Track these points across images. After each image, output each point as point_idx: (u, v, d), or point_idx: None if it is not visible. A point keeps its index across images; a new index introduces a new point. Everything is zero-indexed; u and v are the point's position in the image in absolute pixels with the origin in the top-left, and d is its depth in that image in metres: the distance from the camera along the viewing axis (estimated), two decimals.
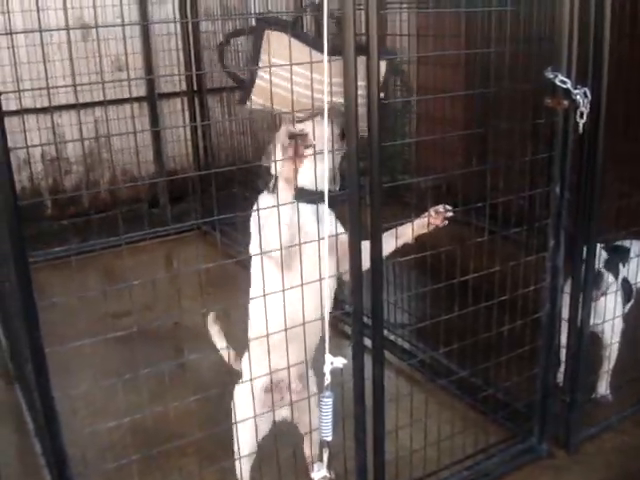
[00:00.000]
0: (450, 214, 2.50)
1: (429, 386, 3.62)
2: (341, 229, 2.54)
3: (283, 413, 2.72)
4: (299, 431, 2.88)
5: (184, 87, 6.39)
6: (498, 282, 2.93)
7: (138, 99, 6.70)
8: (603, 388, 3.54)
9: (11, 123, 4.81)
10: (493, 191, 2.91)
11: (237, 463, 2.74)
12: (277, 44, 2.28)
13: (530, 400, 3.16)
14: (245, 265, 2.65)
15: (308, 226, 2.41)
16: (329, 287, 2.45)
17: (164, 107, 6.82)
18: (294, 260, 2.39)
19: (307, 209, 2.45)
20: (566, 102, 2.63)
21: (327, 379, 2.29)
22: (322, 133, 2.27)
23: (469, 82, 3.75)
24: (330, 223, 2.42)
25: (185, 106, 6.42)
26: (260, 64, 2.30)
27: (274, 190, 2.43)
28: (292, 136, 2.23)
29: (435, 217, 2.50)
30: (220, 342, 2.94)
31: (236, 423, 2.57)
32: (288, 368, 2.53)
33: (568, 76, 2.62)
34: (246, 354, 2.64)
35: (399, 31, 4.24)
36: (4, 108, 1.71)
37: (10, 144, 1.72)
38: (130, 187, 6.92)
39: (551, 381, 3.11)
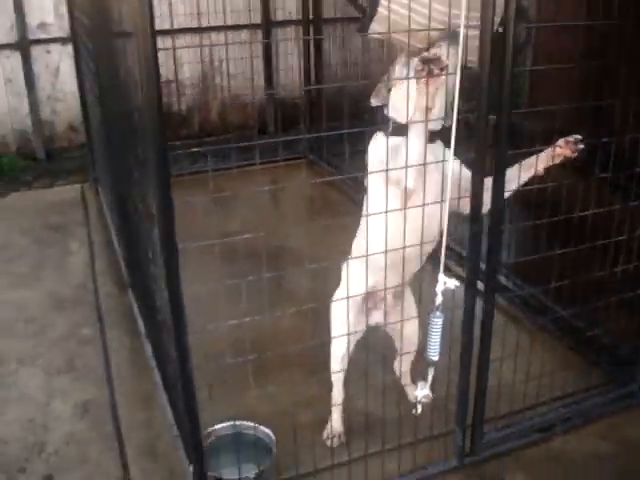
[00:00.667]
0: (581, 145, 2.44)
1: (534, 326, 3.62)
2: (458, 165, 2.50)
3: (376, 318, 2.83)
4: (394, 346, 2.98)
5: (299, 16, 6.39)
6: (617, 223, 2.88)
7: (252, 26, 6.73)
8: None
9: None
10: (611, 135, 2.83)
11: (332, 363, 2.86)
12: None
13: (636, 345, 3.12)
14: (348, 195, 2.69)
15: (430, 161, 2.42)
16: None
17: (279, 35, 6.84)
18: (415, 192, 2.43)
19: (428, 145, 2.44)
20: None
21: (439, 299, 2.34)
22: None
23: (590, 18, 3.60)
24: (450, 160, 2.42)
25: (299, 34, 6.42)
26: None
27: (391, 133, 2.47)
28: (426, 60, 2.22)
29: (564, 147, 2.44)
30: None
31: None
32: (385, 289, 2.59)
33: None
34: (346, 265, 2.71)
35: None
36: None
37: None
38: (240, 113, 7.04)
39: None
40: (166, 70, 6.65)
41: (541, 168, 2.49)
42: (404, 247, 2.40)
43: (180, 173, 5.10)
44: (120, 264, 4.44)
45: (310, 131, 6.38)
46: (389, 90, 2.51)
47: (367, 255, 2.45)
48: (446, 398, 2.77)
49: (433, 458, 2.78)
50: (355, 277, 2.61)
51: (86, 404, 3.24)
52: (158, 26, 1.79)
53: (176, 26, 5.76)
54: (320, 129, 6.01)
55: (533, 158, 2.49)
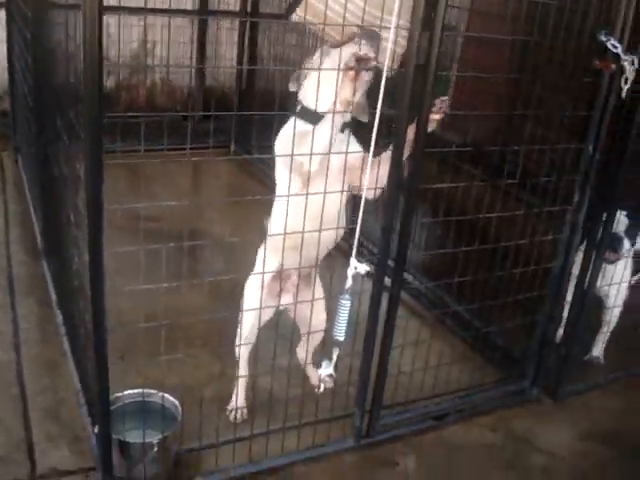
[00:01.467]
0: (446, 108, 2.53)
1: (436, 322, 3.81)
2: (358, 148, 2.65)
3: (285, 300, 2.93)
4: (300, 331, 3.09)
5: (237, 7, 6.45)
6: (519, 228, 3.08)
7: (190, 12, 6.75)
8: (598, 350, 3.71)
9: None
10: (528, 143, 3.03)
11: (237, 349, 2.94)
12: None
13: (527, 346, 3.34)
14: (268, 185, 2.79)
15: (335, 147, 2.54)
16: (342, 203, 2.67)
17: (214, 24, 6.87)
18: (317, 176, 2.54)
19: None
20: (614, 66, 2.75)
21: (349, 282, 2.46)
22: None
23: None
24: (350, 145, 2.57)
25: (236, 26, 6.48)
26: None
27: (300, 116, 2.60)
28: (358, 58, 2.35)
29: (434, 110, 2.51)
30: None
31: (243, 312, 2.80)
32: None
33: (620, 41, 2.72)
34: (261, 248, 2.82)
35: None
36: None
37: None
38: (167, 97, 7.04)
39: (551, 332, 3.28)
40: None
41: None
42: (303, 231, 2.53)
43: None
44: (35, 233, 4.41)
45: (237, 121, 6.44)
46: (305, 77, 2.63)
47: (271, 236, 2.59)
48: (348, 383, 2.90)
49: (332, 438, 2.91)
50: (265, 258, 2.70)
51: None
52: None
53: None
54: (247, 120, 6.09)
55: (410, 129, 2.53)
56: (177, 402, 2.70)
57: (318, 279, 3.01)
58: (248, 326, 2.84)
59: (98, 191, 2.00)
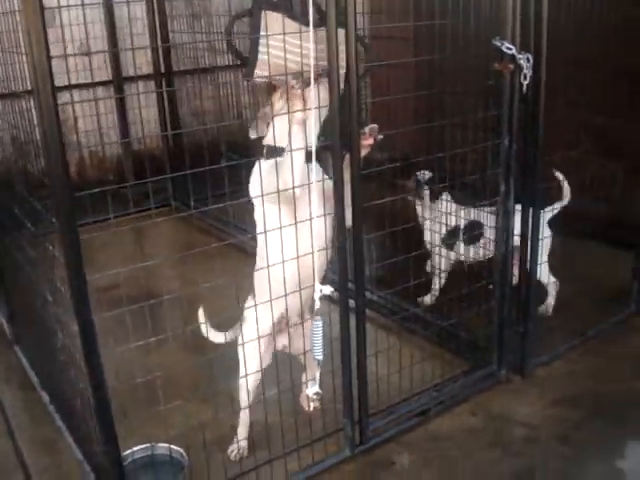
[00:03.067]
0: (380, 136, 2.78)
1: (399, 328, 4.00)
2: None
3: (282, 341, 3.08)
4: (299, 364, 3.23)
5: (151, 70, 6.64)
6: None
7: (105, 83, 6.91)
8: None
9: None
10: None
11: (242, 394, 3.08)
12: (274, 22, 2.61)
13: (488, 332, 3.60)
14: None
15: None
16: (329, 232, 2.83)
17: (131, 90, 7.04)
18: (301, 203, 2.69)
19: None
20: (512, 66, 3.06)
21: (317, 305, 2.67)
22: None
23: (418, 54, 4.13)
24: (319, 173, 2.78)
25: (151, 88, 6.68)
26: (260, 41, 2.61)
27: (269, 156, 2.78)
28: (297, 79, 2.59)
29: (365, 137, 2.75)
30: (217, 335, 3.25)
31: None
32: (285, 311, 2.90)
33: (513, 43, 3.04)
34: (251, 301, 2.96)
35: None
36: None
37: None
38: (97, 168, 7.17)
39: (505, 315, 3.53)
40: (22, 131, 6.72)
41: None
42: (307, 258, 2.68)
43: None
44: (2, 323, 4.48)
45: (172, 179, 6.59)
46: (268, 124, 2.80)
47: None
48: (334, 400, 3.09)
49: (329, 452, 3.10)
50: (261, 313, 2.81)
51: None
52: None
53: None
54: (181, 176, 6.25)
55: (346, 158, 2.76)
56: (182, 450, 2.86)
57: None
58: (252, 384, 3.00)
59: (78, 262, 2.17)
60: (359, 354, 2.99)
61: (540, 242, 3.54)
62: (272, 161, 2.72)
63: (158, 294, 2.71)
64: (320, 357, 2.74)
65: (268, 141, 2.81)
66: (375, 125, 2.77)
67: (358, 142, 2.69)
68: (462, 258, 4.03)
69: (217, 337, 3.23)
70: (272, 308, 2.82)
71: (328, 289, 2.66)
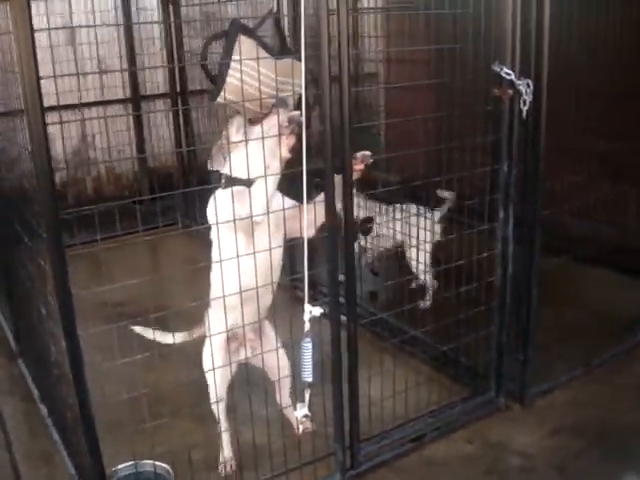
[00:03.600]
0: (370, 160, 2.83)
1: (395, 350, 3.95)
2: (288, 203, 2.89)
3: (242, 355, 3.13)
4: (270, 378, 3.24)
5: (167, 89, 6.71)
6: (456, 250, 3.33)
7: (123, 100, 7.00)
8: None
9: None
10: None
11: (214, 407, 3.10)
12: (246, 47, 2.64)
13: (487, 358, 3.56)
14: None
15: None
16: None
17: (148, 108, 7.13)
18: (260, 229, 2.76)
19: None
20: (511, 91, 3.05)
21: (307, 326, 2.67)
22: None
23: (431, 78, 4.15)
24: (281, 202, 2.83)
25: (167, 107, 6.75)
26: (231, 65, 2.63)
27: (226, 186, 2.83)
28: (291, 120, 2.62)
29: (355, 162, 2.79)
30: (164, 336, 3.33)
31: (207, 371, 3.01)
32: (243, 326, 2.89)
33: (512, 69, 3.04)
34: (207, 314, 3.05)
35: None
36: None
37: None
38: (115, 185, 7.25)
39: (505, 341, 3.49)
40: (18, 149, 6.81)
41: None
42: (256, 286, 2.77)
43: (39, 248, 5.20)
44: (8, 338, 4.53)
45: (185, 197, 6.64)
46: (225, 157, 2.85)
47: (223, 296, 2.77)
48: (325, 423, 3.07)
49: (319, 476, 3.06)
50: (215, 322, 2.92)
51: None
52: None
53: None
54: (194, 195, 6.29)
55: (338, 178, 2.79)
56: (168, 467, 2.85)
57: (269, 326, 3.20)
58: (215, 386, 3.02)
59: (64, 277, 2.19)
60: (350, 374, 2.97)
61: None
62: (234, 189, 2.77)
63: (165, 309, 2.75)
64: (309, 379, 2.73)
65: (228, 171, 2.87)
66: (367, 152, 2.80)
67: (351, 166, 2.70)
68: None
69: (165, 338, 3.31)
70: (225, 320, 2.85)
71: (318, 310, 2.66)
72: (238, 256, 2.71)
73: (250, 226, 2.73)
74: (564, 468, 3.16)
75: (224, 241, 2.73)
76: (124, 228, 4.80)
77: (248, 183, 2.76)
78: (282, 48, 2.83)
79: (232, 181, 2.82)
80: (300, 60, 2.57)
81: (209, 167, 2.94)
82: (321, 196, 2.77)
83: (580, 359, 3.89)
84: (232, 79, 2.63)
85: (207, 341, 3.02)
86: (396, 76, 4.83)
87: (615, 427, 3.43)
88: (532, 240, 3.34)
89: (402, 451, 3.26)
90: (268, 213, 2.71)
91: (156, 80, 7.00)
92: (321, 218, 2.79)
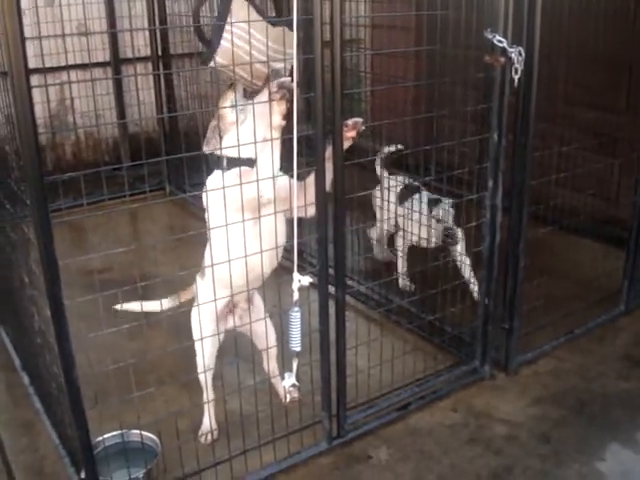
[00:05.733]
0: (362, 128, 2.76)
1: (382, 319, 4.00)
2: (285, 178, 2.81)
3: (231, 322, 3.10)
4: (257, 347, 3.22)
5: (148, 52, 6.57)
6: None
7: (103, 64, 6.86)
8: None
9: None
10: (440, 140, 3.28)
11: (201, 377, 3.07)
12: (241, 11, 2.56)
13: (472, 327, 3.56)
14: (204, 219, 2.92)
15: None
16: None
17: (128, 72, 6.99)
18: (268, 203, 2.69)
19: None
20: (502, 59, 3.01)
21: (295, 295, 2.64)
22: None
23: (418, 44, 4.10)
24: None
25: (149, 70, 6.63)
26: (225, 28, 2.54)
27: (227, 168, 2.74)
28: (280, 85, 2.54)
29: (348, 129, 2.73)
30: (151, 304, 3.29)
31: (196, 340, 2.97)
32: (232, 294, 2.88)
33: (504, 36, 2.99)
34: (201, 283, 3.00)
35: None
36: None
37: None
38: (93, 150, 7.14)
39: (491, 310, 3.49)
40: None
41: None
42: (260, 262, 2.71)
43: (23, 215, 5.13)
44: None
45: (167, 163, 6.56)
46: (221, 138, 2.71)
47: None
48: (312, 392, 3.08)
49: (305, 444, 3.07)
50: (209, 293, 2.83)
51: None
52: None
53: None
54: (176, 160, 6.21)
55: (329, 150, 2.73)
56: (155, 437, 2.84)
57: (258, 296, 3.17)
58: (203, 354, 2.96)
59: (49, 244, 2.14)
60: (338, 343, 2.96)
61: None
62: (236, 171, 2.67)
63: (149, 278, 2.71)
64: (298, 348, 2.71)
65: (226, 152, 2.72)
66: (359, 119, 2.73)
67: (341, 133, 2.65)
68: None
69: (153, 306, 3.27)
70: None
71: (307, 280, 2.63)
72: (245, 244, 2.66)
73: (256, 207, 2.66)
74: (548, 436, 3.19)
75: (228, 220, 2.63)
76: (109, 194, 4.81)
77: (250, 162, 2.67)
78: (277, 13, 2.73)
79: (234, 162, 2.70)
80: (292, 30, 2.50)
81: (204, 149, 2.83)
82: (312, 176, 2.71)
83: (564, 328, 3.92)
84: (226, 42, 2.56)
85: (196, 310, 3.00)
86: (384, 43, 4.75)
87: (598, 396, 3.46)
88: (520, 210, 3.33)
89: (388, 420, 3.26)
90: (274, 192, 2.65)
91: (137, 43, 6.84)
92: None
